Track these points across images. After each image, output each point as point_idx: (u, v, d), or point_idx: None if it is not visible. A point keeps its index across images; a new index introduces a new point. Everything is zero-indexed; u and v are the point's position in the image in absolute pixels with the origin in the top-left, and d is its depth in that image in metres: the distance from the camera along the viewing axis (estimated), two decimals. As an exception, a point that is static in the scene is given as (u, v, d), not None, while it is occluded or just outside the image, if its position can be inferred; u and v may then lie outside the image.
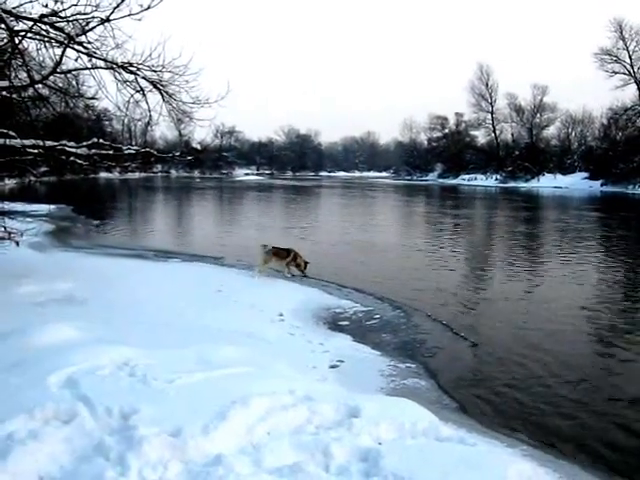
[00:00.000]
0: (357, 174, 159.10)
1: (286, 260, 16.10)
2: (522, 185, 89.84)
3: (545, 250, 23.38)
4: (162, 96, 13.39)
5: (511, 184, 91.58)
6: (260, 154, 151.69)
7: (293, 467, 4.93)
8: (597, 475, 5.97)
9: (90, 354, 7.54)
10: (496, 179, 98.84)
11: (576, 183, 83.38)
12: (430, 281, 15.85)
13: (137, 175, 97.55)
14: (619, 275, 17.56)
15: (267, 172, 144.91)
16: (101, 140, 14.89)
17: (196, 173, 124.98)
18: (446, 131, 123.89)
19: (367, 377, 8.38)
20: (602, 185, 77.20)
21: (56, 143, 13.33)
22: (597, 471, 6.06)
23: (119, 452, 4.97)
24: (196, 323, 10.51)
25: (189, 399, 6.12)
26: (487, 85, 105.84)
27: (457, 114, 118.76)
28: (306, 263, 16.09)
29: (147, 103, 13.47)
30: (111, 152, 14.94)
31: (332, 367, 8.78)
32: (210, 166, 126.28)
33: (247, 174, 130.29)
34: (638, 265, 20.00)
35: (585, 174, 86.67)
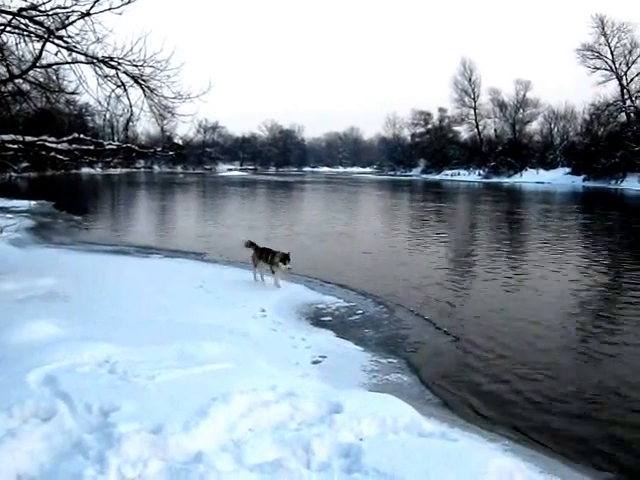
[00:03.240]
0: (341, 170, 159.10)
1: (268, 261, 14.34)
2: (505, 180, 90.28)
3: (528, 245, 23.48)
4: (143, 91, 13.29)
5: (494, 179, 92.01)
6: (243, 150, 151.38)
7: (274, 463, 4.91)
8: (577, 469, 6.00)
9: (70, 351, 7.49)
10: (479, 174, 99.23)
11: (558, 178, 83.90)
12: (413, 276, 15.88)
13: (119, 171, 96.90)
14: (601, 269, 17.67)
15: (250, 168, 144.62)
16: (82, 135, 14.79)
17: (179, 169, 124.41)
18: (429, 126, 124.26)
19: (349, 373, 8.37)
20: (584, 180, 77.73)
21: (36, 139, 13.23)
22: (577, 464, 6.10)
23: (98, 450, 4.92)
24: (177, 319, 10.45)
25: (170, 396, 6.08)
26: (470, 80, 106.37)
27: (440, 109, 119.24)
28: (286, 256, 13.92)
29: (128, 98, 13.39)
30: (92, 147, 14.83)
31: (314, 363, 8.77)
32: (193, 162, 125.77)
33: (230, 170, 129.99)
34: (620, 259, 20.12)
35: (567, 169, 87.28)
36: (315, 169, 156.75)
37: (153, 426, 5.29)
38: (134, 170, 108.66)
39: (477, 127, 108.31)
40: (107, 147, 15.07)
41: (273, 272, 14.20)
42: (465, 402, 7.77)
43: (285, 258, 13.85)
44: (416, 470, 4.83)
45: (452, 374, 8.79)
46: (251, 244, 15.09)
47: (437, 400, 7.83)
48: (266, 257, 14.24)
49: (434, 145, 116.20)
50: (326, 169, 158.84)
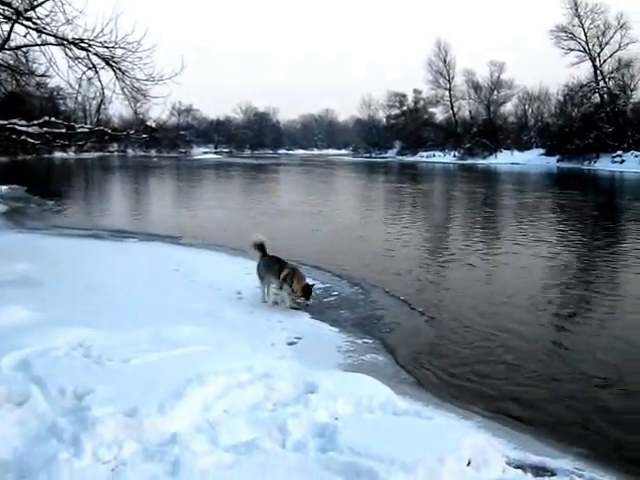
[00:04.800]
0: (316, 152, 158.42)
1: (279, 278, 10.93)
2: (480, 162, 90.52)
3: (503, 226, 23.67)
4: (115, 73, 13.19)
5: (469, 161, 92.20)
6: (218, 132, 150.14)
7: (249, 444, 4.93)
8: (548, 444, 6.08)
9: (44, 335, 7.46)
10: (454, 156, 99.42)
11: (533, 159, 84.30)
12: (388, 257, 15.95)
13: (93, 155, 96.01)
14: (576, 249, 17.88)
15: (225, 151, 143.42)
16: (53, 118, 14.61)
17: (153, 152, 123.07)
18: (404, 108, 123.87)
19: (325, 353, 8.40)
20: (558, 161, 78.20)
21: (6, 122, 13.05)
22: (549, 440, 6.19)
23: (73, 433, 4.90)
24: (153, 303, 10.42)
25: (145, 378, 6.08)
26: (445, 62, 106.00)
27: (415, 91, 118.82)
28: (309, 288, 10.79)
29: (100, 81, 13.29)
30: (64, 131, 14.66)
31: (290, 344, 8.79)
32: (167, 145, 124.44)
33: (205, 153, 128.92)
34: (594, 239, 20.33)
35: (542, 150, 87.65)
36: (290, 151, 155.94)
37: (128, 409, 5.29)
38: (107, 154, 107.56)
39: (452, 109, 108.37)
40: (79, 130, 14.92)
41: (280, 288, 10.95)
42: (440, 381, 7.84)
43: (308, 291, 10.71)
44: (391, 448, 4.87)
45: (427, 354, 8.85)
46: (261, 247, 11.62)
47: (412, 379, 7.88)
48: (278, 272, 10.86)
49: (409, 127, 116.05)
50: (301, 151, 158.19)
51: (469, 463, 4.98)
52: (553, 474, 5.25)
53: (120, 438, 4.93)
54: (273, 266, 11.02)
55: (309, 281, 11.04)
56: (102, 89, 13.48)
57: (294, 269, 10.88)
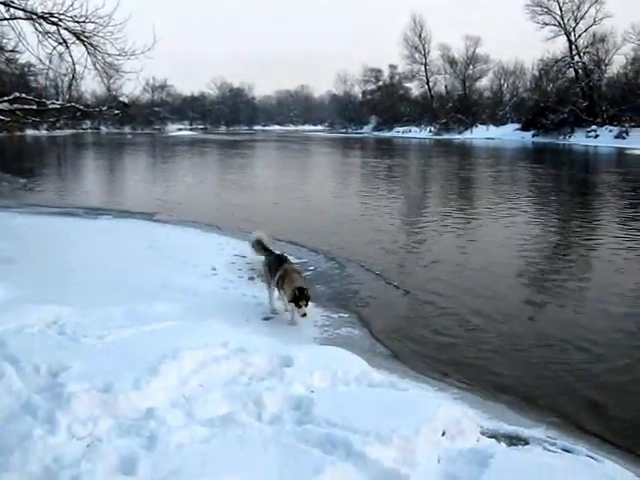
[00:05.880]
0: (292, 128, 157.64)
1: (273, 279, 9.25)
2: (456, 137, 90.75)
3: (478, 200, 23.79)
4: (86, 48, 12.96)
5: (445, 136, 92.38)
6: (193, 109, 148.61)
7: (225, 418, 4.95)
8: (522, 414, 6.18)
9: (18, 313, 7.42)
10: (430, 131, 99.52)
11: (508, 134, 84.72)
12: (364, 232, 15.98)
13: (66, 132, 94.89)
14: (550, 223, 18.05)
15: (200, 127, 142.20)
16: (23, 95, 14.37)
17: (127, 129, 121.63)
18: (380, 83, 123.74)
19: (300, 328, 8.43)
20: (533, 136, 78.69)
21: (-26, 99, 12.83)
22: (523, 409, 6.28)
23: (47, 410, 4.88)
24: (127, 280, 10.36)
25: (120, 355, 6.07)
26: (420, 36, 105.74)
27: (391, 66, 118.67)
28: (301, 291, 8.48)
29: (71, 56, 13.05)
30: (35, 107, 14.41)
31: (265, 319, 8.80)
32: (142, 122, 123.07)
33: (180, 129, 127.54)
34: (568, 211, 20.54)
35: (517, 125, 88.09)
36: (266, 127, 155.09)
37: (103, 385, 5.27)
38: (81, 131, 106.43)
39: (428, 84, 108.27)
40: (50, 107, 14.65)
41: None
42: (415, 354, 7.89)
43: (297, 296, 8.47)
44: (366, 419, 4.91)
45: (402, 327, 8.91)
46: (263, 247, 10.05)
47: (387, 352, 7.93)
48: (274, 273, 9.18)
49: (385, 102, 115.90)
50: (277, 127, 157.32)
51: (444, 433, 5.04)
52: (526, 443, 5.33)
53: (95, 414, 4.91)
54: (272, 267, 9.37)
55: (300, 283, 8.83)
56: (73, 65, 13.27)
57: (287, 269, 9.02)
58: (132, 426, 4.79)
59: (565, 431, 5.82)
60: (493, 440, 5.20)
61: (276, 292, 9.29)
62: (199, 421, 4.93)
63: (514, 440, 5.35)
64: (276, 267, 9.19)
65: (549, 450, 5.21)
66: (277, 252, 10.01)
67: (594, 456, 5.16)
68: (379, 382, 6.10)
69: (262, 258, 9.98)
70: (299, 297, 8.42)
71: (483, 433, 5.34)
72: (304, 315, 8.42)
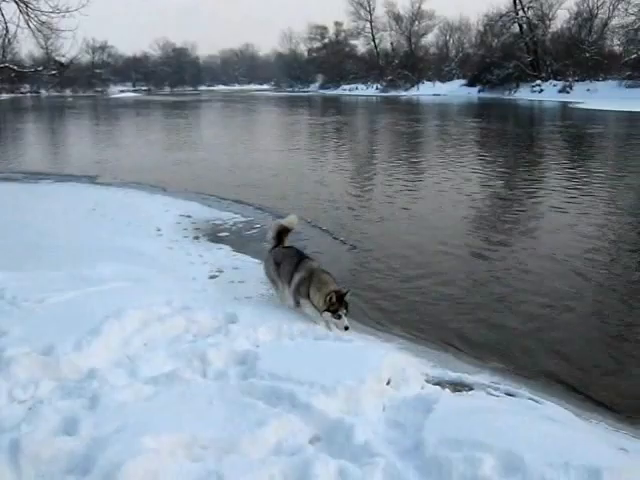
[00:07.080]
0: (237, 87, 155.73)
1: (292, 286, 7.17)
2: (402, 94, 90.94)
3: (424, 155, 23.87)
4: (18, 5, 12.53)
5: (392, 93, 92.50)
6: (136, 70, 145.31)
7: (169, 375, 4.93)
8: (467, 361, 6.27)
9: (-47, 280, 7.22)
10: (377, 88, 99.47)
11: (455, 90, 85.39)
12: (311, 190, 15.92)
13: (3, 96, 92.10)
14: (497, 176, 18.20)
15: (144, 89, 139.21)
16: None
17: (68, 92, 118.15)
18: (326, 41, 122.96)
19: (247, 286, 8.36)
20: (479, 92, 79.49)
21: None
22: (467, 357, 6.38)
23: (-14, 375, 4.80)
24: (70, 243, 10.15)
25: (62, 317, 5.98)
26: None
27: (336, 23, 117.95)
28: (339, 297, 6.61)
29: (2, 14, 12.61)
30: (-34, 69, 13.94)
31: (211, 277, 8.72)
32: (83, 84, 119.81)
33: (122, 91, 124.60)
34: (515, 165, 20.79)
35: (463, 81, 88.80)
36: (211, 88, 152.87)
37: (44, 347, 5.21)
38: (20, 95, 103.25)
39: (374, 41, 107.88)
40: (-18, 68, 14.18)
41: (297, 303, 7.08)
42: (361, 307, 7.90)
43: (335, 302, 6.57)
44: (311, 371, 4.94)
45: (349, 281, 8.89)
46: (280, 239, 8.06)
47: (334, 307, 7.94)
48: (290, 275, 7.17)
49: (331, 60, 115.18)
50: (222, 87, 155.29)
51: (389, 382, 5.11)
52: (471, 388, 5.44)
53: (36, 377, 4.86)
54: (286, 265, 7.33)
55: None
56: (5, 24, 12.85)
57: (312, 270, 7.08)
58: (74, 387, 4.75)
59: (509, 376, 5.93)
60: (437, 387, 5.29)
61: (290, 300, 7.20)
62: (143, 379, 4.90)
63: (458, 386, 5.45)
64: (291, 266, 7.21)
65: (492, 394, 5.33)
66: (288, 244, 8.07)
67: (536, 398, 5.31)
68: (324, 335, 6.15)
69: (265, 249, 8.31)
70: (337, 304, 6.57)
71: (428, 381, 5.44)
72: (346, 328, 6.48)
